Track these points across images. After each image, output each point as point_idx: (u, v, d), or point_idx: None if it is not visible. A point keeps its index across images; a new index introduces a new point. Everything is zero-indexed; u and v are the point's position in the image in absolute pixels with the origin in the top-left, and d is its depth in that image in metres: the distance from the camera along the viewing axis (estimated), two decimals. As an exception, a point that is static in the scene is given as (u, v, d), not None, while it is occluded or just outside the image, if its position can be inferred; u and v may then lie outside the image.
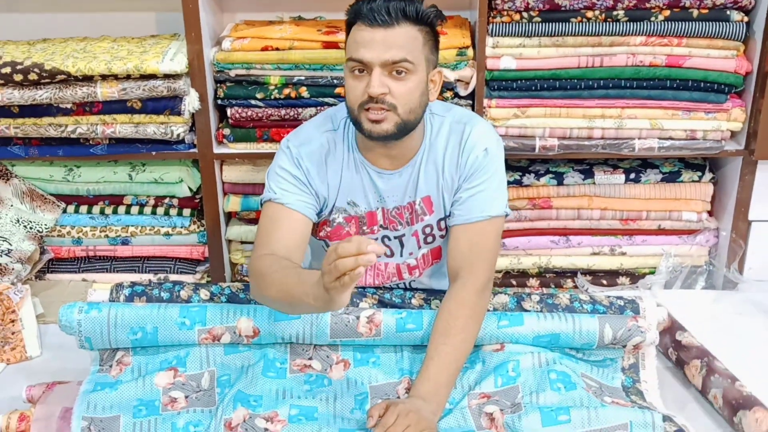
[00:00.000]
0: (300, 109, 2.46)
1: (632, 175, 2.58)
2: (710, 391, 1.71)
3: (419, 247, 1.93)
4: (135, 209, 2.62)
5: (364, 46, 1.65)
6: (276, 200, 1.79)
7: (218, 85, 2.49)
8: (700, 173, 2.58)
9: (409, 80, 1.68)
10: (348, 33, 1.73)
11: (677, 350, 1.84)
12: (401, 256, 1.94)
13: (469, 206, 1.80)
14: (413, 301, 1.85)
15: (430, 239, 1.92)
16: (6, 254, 2.42)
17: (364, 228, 1.88)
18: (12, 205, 2.55)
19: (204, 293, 1.85)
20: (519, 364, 1.69)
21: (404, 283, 2.00)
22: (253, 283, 1.71)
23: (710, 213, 2.66)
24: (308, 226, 1.81)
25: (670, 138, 2.47)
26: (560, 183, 2.59)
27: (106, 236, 2.62)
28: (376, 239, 1.90)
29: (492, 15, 2.37)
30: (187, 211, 2.63)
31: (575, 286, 2.64)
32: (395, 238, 1.91)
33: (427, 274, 2.00)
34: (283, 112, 2.47)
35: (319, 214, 1.87)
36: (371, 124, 1.69)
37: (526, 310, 1.81)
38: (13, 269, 2.39)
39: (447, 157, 1.82)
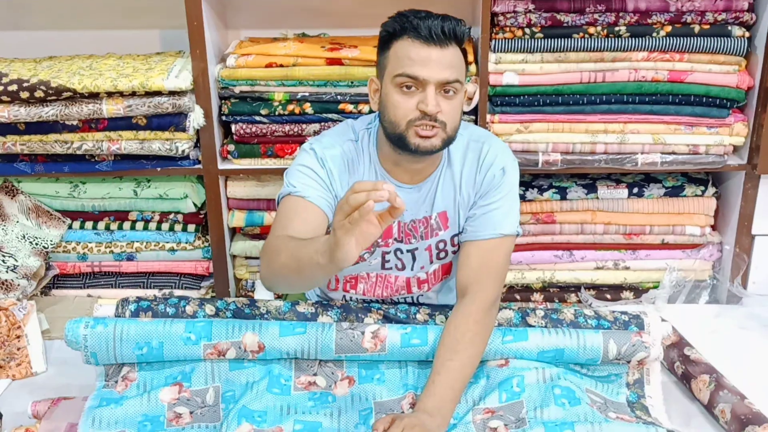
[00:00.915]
0: (304, 125, 2.47)
1: (635, 190, 2.59)
2: (717, 405, 1.70)
3: (431, 262, 1.93)
4: (140, 225, 2.63)
5: (421, 63, 1.66)
6: (295, 193, 1.76)
7: (223, 101, 2.51)
8: (703, 188, 2.59)
9: (456, 99, 1.71)
10: (386, 46, 1.72)
11: (685, 364, 1.84)
12: (412, 270, 1.94)
13: (481, 223, 1.81)
14: (418, 316, 1.85)
15: (443, 255, 1.92)
16: (12, 270, 2.43)
17: (379, 240, 1.88)
18: (18, 221, 2.56)
19: (209, 308, 1.86)
20: (523, 380, 1.69)
21: (412, 297, 2.00)
22: (264, 261, 1.68)
23: (713, 227, 2.66)
24: (325, 221, 1.78)
25: (673, 153, 2.47)
26: (563, 197, 2.60)
27: (111, 252, 2.63)
28: (390, 252, 1.91)
29: (495, 31, 2.39)
30: (191, 227, 2.64)
31: (579, 301, 2.64)
32: (408, 251, 1.91)
33: (435, 289, 2.00)
34: (287, 128, 2.48)
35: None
36: (420, 140, 1.70)
37: (530, 326, 1.81)
38: (18, 285, 2.40)
39: (465, 174, 1.84)
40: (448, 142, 1.74)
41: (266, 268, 1.68)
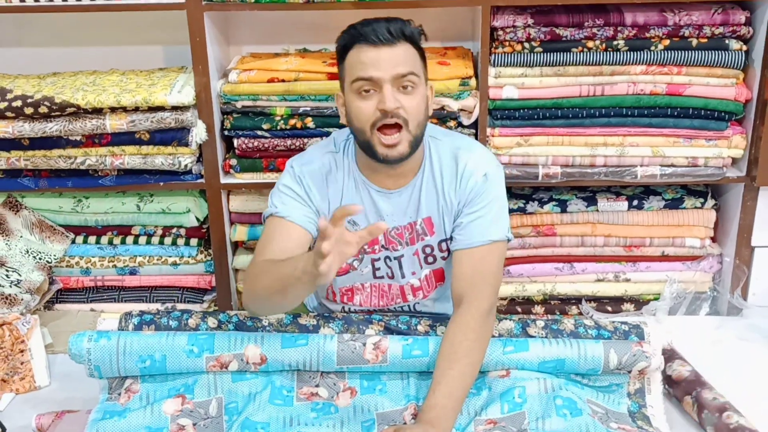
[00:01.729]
0: (306, 140, 2.49)
1: (635, 202, 2.60)
2: (707, 428, 1.72)
3: (421, 267, 1.95)
4: (143, 239, 2.65)
5: (372, 64, 1.72)
6: (277, 214, 1.84)
7: (225, 116, 2.52)
8: (702, 200, 2.60)
9: (416, 94, 1.75)
10: (342, 58, 1.79)
11: (670, 386, 1.84)
12: (403, 277, 1.96)
13: (470, 231, 1.83)
14: (419, 327, 1.86)
15: (431, 259, 1.95)
16: (15, 285, 2.44)
17: (365, 247, 1.91)
18: (22, 236, 2.57)
19: (212, 321, 1.87)
20: (525, 390, 1.70)
21: (409, 306, 2.01)
22: (247, 287, 1.78)
23: (713, 239, 2.67)
24: (307, 238, 1.85)
25: (672, 165, 2.49)
26: (564, 210, 2.61)
27: (114, 266, 2.64)
28: (379, 259, 1.93)
29: (494, 46, 2.40)
30: (194, 241, 2.65)
31: (580, 313, 2.65)
32: (395, 258, 1.93)
33: (431, 297, 2.01)
34: (289, 142, 2.50)
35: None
36: (386, 149, 1.75)
37: (531, 336, 1.82)
38: (22, 300, 2.41)
39: (446, 182, 1.87)
40: (415, 143, 1.77)
41: (249, 294, 1.76)
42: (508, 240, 1.87)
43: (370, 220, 1.89)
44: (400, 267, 1.94)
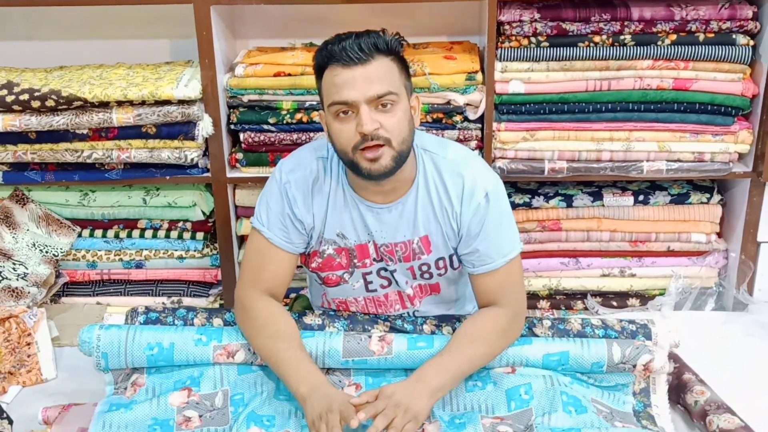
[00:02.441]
0: (312, 134, 2.49)
1: (641, 197, 2.60)
2: None
3: (414, 278, 1.90)
4: (149, 233, 2.65)
5: (345, 86, 1.63)
6: (263, 232, 1.82)
7: (231, 110, 2.53)
8: (708, 195, 2.59)
9: (396, 111, 1.66)
10: (319, 78, 1.71)
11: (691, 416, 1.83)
12: (398, 285, 1.92)
13: (488, 255, 1.79)
14: (425, 327, 1.86)
15: (427, 276, 1.90)
16: (22, 278, 2.45)
17: (355, 261, 1.86)
18: (28, 230, 2.58)
19: (217, 322, 1.88)
20: (531, 387, 1.70)
21: (407, 313, 1.98)
22: (240, 317, 1.80)
23: (719, 234, 2.66)
24: (293, 261, 1.86)
25: (678, 160, 2.48)
26: (569, 205, 2.61)
27: (121, 260, 2.65)
28: (371, 272, 1.89)
29: (501, 40, 2.40)
30: (200, 235, 2.66)
31: (585, 308, 2.65)
32: (389, 270, 1.89)
33: (428, 302, 1.96)
34: (295, 136, 2.50)
35: (308, 243, 1.87)
36: (369, 164, 1.66)
37: (536, 336, 1.82)
38: (29, 293, 2.42)
39: (444, 204, 1.80)
40: (400, 158, 1.69)
41: (242, 328, 1.80)
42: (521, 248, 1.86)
43: (359, 234, 1.83)
44: (394, 278, 1.90)
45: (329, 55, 1.66)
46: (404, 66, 1.72)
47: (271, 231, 1.82)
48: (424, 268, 1.88)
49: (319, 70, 1.70)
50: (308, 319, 1.87)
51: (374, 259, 1.87)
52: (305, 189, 1.81)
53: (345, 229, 1.83)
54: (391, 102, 1.65)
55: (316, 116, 2.46)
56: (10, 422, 1.78)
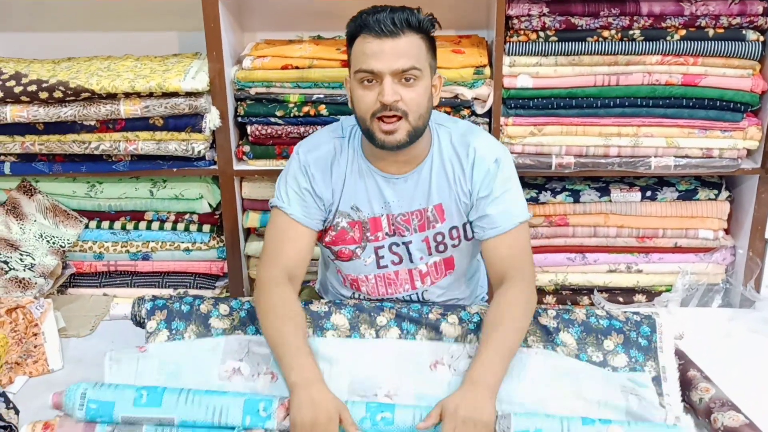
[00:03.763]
0: (319, 127, 2.48)
1: (648, 193, 2.59)
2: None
3: (430, 254, 1.96)
4: (156, 225, 2.65)
5: (374, 56, 1.72)
6: (284, 209, 1.88)
7: (239, 102, 2.53)
8: (716, 191, 2.59)
9: (418, 86, 1.75)
10: (350, 45, 1.80)
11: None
12: (411, 261, 1.97)
13: (498, 219, 1.85)
14: (430, 315, 1.86)
15: (441, 248, 1.96)
16: (29, 269, 2.45)
17: (368, 234, 1.93)
18: (35, 221, 2.58)
19: (223, 308, 1.88)
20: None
21: (417, 294, 2.02)
22: (256, 296, 1.82)
23: (727, 231, 2.66)
24: (313, 237, 1.91)
25: (687, 156, 2.48)
26: (576, 200, 2.60)
27: (127, 251, 2.65)
28: (383, 247, 1.95)
29: (509, 34, 2.39)
30: (206, 227, 2.66)
31: (591, 304, 2.65)
32: (403, 244, 1.94)
33: (440, 285, 2.02)
34: (302, 129, 2.50)
35: (326, 219, 1.93)
36: (384, 135, 1.76)
37: (542, 326, 1.82)
38: (36, 283, 2.42)
39: (456, 168, 1.88)
40: (414, 133, 1.78)
41: (257, 304, 1.81)
42: (530, 218, 1.91)
43: (374, 206, 1.90)
44: (408, 252, 1.95)
45: (362, 24, 1.75)
46: (432, 45, 1.81)
47: (291, 207, 1.88)
48: (439, 238, 1.94)
49: (351, 38, 1.79)
50: (314, 306, 1.87)
51: (387, 233, 1.93)
52: (324, 167, 1.90)
53: (359, 201, 1.90)
54: (414, 77, 1.74)
55: (323, 109, 2.46)
56: (17, 412, 1.78)
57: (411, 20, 1.73)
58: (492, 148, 1.89)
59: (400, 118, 1.75)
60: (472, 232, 1.94)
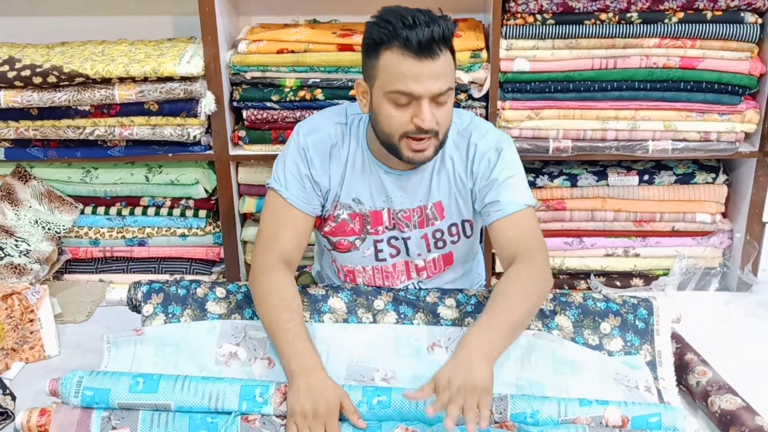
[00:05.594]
0: (315, 111, 2.47)
1: (646, 177, 2.59)
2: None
3: (429, 251, 1.93)
4: (151, 210, 2.65)
5: (413, 79, 1.60)
6: (281, 193, 1.83)
7: (234, 87, 2.51)
8: (714, 175, 2.58)
9: (449, 104, 1.68)
10: (374, 52, 1.65)
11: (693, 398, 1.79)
12: (408, 255, 1.94)
13: (504, 202, 1.77)
14: (427, 298, 1.86)
15: (440, 244, 1.92)
16: (25, 255, 2.45)
17: (368, 227, 1.89)
18: (30, 207, 2.57)
19: (220, 291, 1.87)
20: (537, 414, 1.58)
21: (413, 284, 1.99)
22: (252, 282, 1.80)
23: (724, 215, 2.66)
24: (309, 224, 1.87)
25: (684, 140, 2.47)
26: (574, 184, 2.60)
27: (123, 237, 2.65)
28: (382, 240, 1.91)
29: (506, 17, 2.38)
30: (202, 213, 2.65)
31: (588, 288, 2.65)
32: (401, 238, 1.92)
33: (435, 279, 1.98)
34: (298, 114, 2.48)
35: (323, 206, 1.88)
36: (413, 153, 1.69)
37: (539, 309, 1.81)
38: (31, 270, 2.42)
39: (457, 168, 1.83)
40: (440, 147, 1.73)
41: (253, 290, 1.79)
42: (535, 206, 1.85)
43: (375, 200, 1.86)
44: (406, 246, 1.93)
45: (395, 36, 1.60)
46: (454, 55, 1.70)
47: (288, 191, 1.83)
48: (438, 235, 1.90)
49: (375, 46, 1.64)
50: (312, 290, 1.87)
51: (387, 227, 1.89)
52: (323, 152, 1.83)
53: (361, 194, 1.86)
54: (447, 97, 1.66)
55: (319, 93, 2.45)
56: (13, 398, 1.78)
57: (446, 35, 1.61)
58: (490, 137, 1.83)
59: (430, 138, 1.68)
60: (471, 230, 1.91)
